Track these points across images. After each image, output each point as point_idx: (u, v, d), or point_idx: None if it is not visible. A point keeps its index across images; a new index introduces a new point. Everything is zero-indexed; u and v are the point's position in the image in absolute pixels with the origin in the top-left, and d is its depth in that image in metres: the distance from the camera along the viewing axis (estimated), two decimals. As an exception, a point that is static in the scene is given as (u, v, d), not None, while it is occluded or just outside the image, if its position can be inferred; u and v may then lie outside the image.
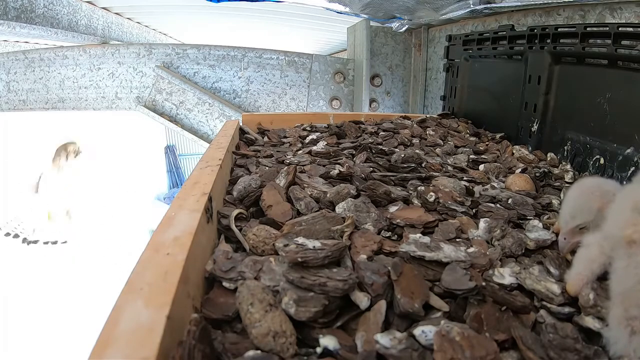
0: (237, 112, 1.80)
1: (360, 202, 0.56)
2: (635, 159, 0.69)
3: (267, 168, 0.70)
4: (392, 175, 0.69)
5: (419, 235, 0.48)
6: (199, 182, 0.53)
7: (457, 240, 0.51)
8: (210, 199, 0.48)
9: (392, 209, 0.57)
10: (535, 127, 0.96)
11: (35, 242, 3.58)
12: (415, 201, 0.61)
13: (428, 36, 1.80)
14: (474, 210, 0.59)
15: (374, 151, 0.86)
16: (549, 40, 0.88)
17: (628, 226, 0.35)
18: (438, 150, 0.94)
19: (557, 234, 0.51)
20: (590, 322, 0.37)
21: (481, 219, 0.54)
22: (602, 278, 0.39)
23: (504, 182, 0.76)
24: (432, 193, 0.60)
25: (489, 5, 1.21)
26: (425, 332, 0.34)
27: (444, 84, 1.46)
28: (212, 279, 0.40)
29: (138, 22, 2.79)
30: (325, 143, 0.93)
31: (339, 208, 0.55)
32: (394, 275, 0.39)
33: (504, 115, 1.10)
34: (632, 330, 0.32)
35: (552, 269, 0.45)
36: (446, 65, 1.41)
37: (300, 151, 0.87)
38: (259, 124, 1.11)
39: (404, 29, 1.78)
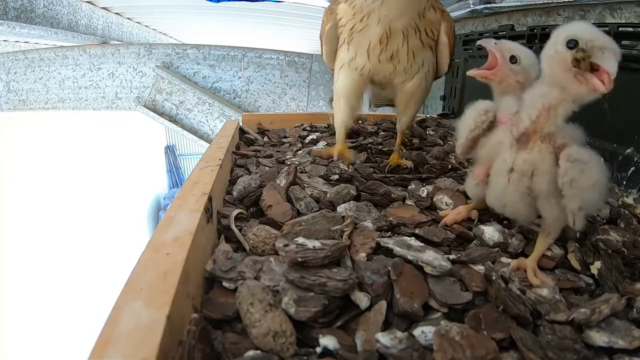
0: (237, 112, 1.80)
1: (362, 204, 0.56)
2: (635, 159, 0.69)
3: (267, 168, 0.70)
4: (392, 176, 0.69)
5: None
6: (199, 182, 0.53)
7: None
8: (210, 199, 0.48)
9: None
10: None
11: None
12: (410, 201, 0.60)
13: (428, 36, 1.79)
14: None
15: (374, 151, 0.86)
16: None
17: None
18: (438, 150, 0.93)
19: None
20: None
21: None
22: None
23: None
24: (423, 189, 0.60)
25: (488, 5, 1.20)
26: (424, 332, 0.34)
27: (444, 84, 1.46)
28: (212, 279, 0.40)
29: (138, 22, 2.79)
30: (325, 143, 0.93)
31: (340, 208, 0.55)
32: (394, 275, 0.39)
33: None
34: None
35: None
36: (446, 65, 1.41)
37: (301, 151, 0.87)
38: (259, 124, 1.10)
39: (404, 29, 1.78)
